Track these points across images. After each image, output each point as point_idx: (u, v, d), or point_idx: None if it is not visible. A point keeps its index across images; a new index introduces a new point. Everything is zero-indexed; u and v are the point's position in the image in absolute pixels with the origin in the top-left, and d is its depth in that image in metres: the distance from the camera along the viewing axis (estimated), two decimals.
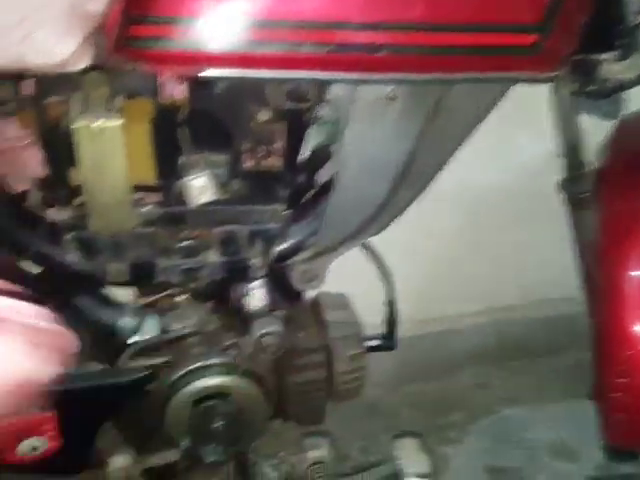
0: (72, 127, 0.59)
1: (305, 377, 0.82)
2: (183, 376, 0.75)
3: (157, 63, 0.56)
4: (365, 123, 0.66)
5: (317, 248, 0.75)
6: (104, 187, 0.63)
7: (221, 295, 0.82)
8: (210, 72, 0.57)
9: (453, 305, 1.19)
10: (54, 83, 0.62)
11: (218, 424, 0.75)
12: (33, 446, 0.70)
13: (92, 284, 0.75)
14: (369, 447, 1.19)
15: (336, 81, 0.61)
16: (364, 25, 0.57)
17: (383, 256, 0.85)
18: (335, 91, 0.65)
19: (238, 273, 0.73)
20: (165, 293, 0.84)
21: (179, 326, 0.80)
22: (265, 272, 0.74)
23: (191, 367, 0.75)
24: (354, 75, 0.58)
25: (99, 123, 0.60)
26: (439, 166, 0.72)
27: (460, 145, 0.70)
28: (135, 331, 0.79)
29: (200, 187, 0.68)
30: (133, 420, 0.81)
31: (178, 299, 0.84)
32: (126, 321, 0.78)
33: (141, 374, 0.72)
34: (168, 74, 0.60)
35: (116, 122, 0.61)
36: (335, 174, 0.74)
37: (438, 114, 0.65)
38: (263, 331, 0.76)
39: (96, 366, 0.72)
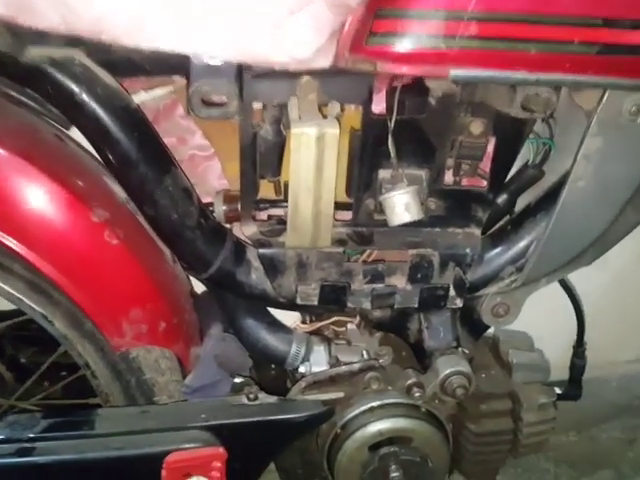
0: (291, 132, 0.54)
1: (487, 426, 0.72)
2: (359, 416, 0.67)
3: (401, 62, 0.49)
4: (606, 140, 0.57)
5: (520, 278, 0.66)
6: (311, 198, 0.57)
7: (394, 325, 0.74)
8: (458, 73, 0.50)
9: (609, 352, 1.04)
10: (263, 86, 0.56)
11: (396, 474, 0.67)
12: None
13: (265, 305, 0.70)
14: None
15: (608, 86, 0.52)
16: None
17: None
18: (581, 101, 0.57)
19: (431, 302, 0.65)
20: (331, 320, 0.77)
21: (349, 357, 0.72)
22: (462, 303, 0.65)
23: (369, 406, 0.67)
24: (629, 81, 0.50)
25: (318, 130, 0.54)
26: None
27: None
28: (303, 360, 0.72)
29: (405, 204, 0.60)
30: (293, 461, 0.74)
31: (344, 328, 0.77)
32: (295, 348, 0.71)
33: (319, 410, 0.64)
34: (412, 74, 0.54)
35: (334, 129, 0.54)
36: (546, 196, 0.65)
37: None
38: (450, 370, 0.67)
39: (267, 397, 0.65)
